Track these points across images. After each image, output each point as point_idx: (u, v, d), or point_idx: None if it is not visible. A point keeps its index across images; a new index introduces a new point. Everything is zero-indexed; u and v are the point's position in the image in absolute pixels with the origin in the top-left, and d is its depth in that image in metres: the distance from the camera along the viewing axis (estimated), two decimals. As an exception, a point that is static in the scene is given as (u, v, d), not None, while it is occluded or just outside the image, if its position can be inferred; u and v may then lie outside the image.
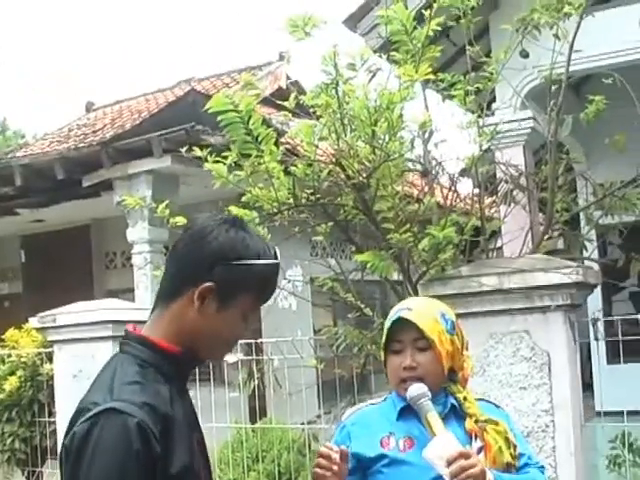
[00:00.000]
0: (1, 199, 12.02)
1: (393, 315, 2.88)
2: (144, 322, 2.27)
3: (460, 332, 2.89)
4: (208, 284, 2.13)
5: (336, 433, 3.05)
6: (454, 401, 2.83)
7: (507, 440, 2.75)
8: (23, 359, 8.60)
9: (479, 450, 2.69)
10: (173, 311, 2.19)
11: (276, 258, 2.25)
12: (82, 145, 11.27)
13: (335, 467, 2.61)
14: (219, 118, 5.06)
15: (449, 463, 2.49)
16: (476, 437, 2.73)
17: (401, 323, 2.81)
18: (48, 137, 15.76)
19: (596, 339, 5.72)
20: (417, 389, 2.72)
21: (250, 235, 2.23)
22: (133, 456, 1.96)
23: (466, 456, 2.51)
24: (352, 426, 2.96)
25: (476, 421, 2.76)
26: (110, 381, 2.11)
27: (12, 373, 8.59)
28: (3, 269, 16.18)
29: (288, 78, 14.52)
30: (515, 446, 2.78)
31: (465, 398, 2.83)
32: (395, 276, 5.99)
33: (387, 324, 2.89)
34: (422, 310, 2.85)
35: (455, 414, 2.81)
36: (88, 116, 17.16)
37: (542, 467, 2.88)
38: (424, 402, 2.69)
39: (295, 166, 5.35)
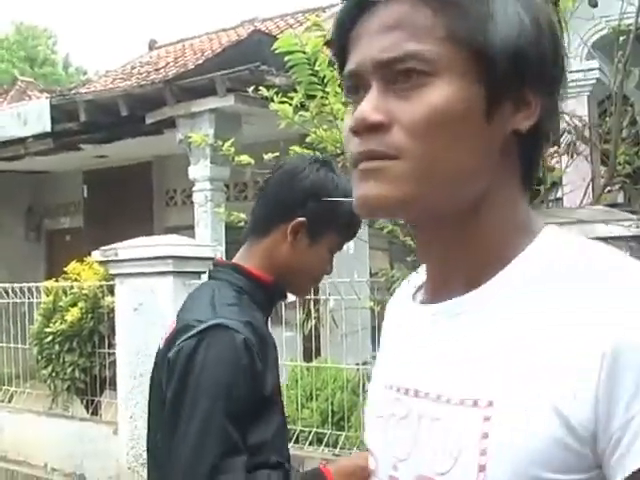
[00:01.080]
0: (65, 134, 12.11)
1: None
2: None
3: None
4: (301, 219, 2.26)
5: None
6: None
7: None
8: (85, 291, 8.75)
9: None
10: (265, 246, 2.30)
11: None
12: (146, 82, 11.33)
13: None
14: (286, 58, 5.08)
15: None
16: None
17: None
18: (111, 74, 15.86)
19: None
20: None
21: (338, 175, 2.33)
22: (241, 370, 2.03)
23: None
24: None
25: None
26: (211, 301, 2.18)
27: (74, 304, 8.74)
28: (65, 203, 16.43)
29: (352, 21, 14.40)
30: None
31: None
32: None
33: None
34: None
35: None
36: (151, 54, 17.19)
37: None
38: None
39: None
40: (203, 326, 2.07)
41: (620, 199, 7.63)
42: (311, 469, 2.26)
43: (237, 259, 2.36)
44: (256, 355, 2.08)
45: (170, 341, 2.16)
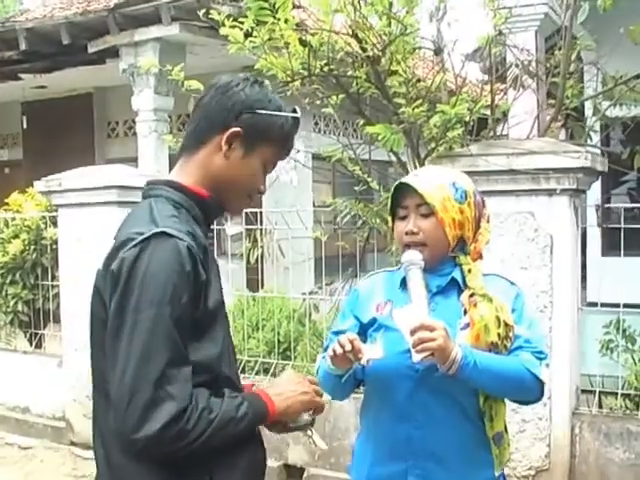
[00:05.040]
0: (5, 63, 11.82)
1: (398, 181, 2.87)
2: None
3: (474, 203, 2.80)
4: (236, 129, 2.26)
5: (349, 295, 3.09)
6: (459, 273, 2.78)
7: (497, 319, 2.65)
8: (27, 223, 8.59)
9: (466, 325, 2.67)
10: (199, 158, 2.29)
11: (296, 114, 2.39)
12: (88, 10, 11.06)
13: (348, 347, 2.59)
14: (237, -17, 5.02)
15: (412, 333, 2.50)
16: (465, 312, 2.69)
17: (405, 189, 2.78)
18: (50, 4, 15.44)
19: (598, 225, 5.79)
20: (409, 255, 2.71)
21: (270, 92, 2.37)
22: (185, 276, 2.02)
23: (429, 328, 2.49)
24: (361, 289, 2.98)
25: (472, 295, 2.71)
26: (150, 215, 2.15)
27: (16, 236, 8.58)
28: (3, 135, 16.11)
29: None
30: (509, 326, 2.67)
31: (470, 270, 2.77)
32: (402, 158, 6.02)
33: (392, 190, 2.86)
34: (428, 177, 2.79)
35: (459, 286, 2.77)
36: (91, -18, 16.76)
37: (540, 352, 2.74)
38: (411, 269, 2.68)
39: (311, 35, 5.31)
40: (145, 235, 2.05)
41: (562, 136, 7.68)
42: (247, 394, 2.24)
43: (171, 175, 2.34)
44: (200, 264, 2.08)
45: (110, 257, 2.11)
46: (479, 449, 2.74)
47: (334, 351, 2.61)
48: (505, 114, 6.73)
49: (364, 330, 2.84)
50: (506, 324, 2.67)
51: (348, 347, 2.56)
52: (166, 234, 2.04)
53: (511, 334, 2.69)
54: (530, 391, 2.74)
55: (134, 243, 2.04)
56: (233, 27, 5.23)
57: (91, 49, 10.82)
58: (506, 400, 2.86)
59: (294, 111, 2.38)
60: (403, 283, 2.78)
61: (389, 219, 2.93)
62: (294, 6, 5.66)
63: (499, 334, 2.65)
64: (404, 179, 2.83)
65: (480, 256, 2.87)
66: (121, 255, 2.05)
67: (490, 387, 2.68)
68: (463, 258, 2.81)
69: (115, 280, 2.04)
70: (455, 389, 2.66)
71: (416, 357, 2.52)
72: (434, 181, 2.76)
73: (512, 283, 2.87)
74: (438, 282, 2.78)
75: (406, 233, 2.77)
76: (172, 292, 1.99)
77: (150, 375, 1.94)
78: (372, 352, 2.60)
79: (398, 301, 2.75)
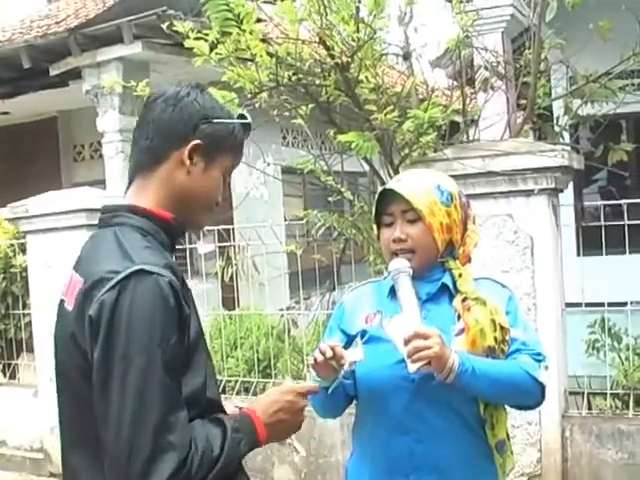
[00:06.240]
0: (-36, 91, 11.70)
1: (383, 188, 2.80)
2: None
3: (460, 205, 2.73)
4: (196, 142, 2.15)
5: (335, 309, 3.01)
6: (449, 278, 2.71)
7: (493, 322, 2.57)
8: (-6, 251, 8.45)
9: (461, 331, 2.60)
10: (160, 176, 2.15)
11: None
12: (48, 32, 10.93)
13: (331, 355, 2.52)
14: (200, -6, 4.92)
15: (406, 342, 2.42)
16: (459, 317, 2.62)
17: (390, 195, 2.70)
18: (8, 29, 15.29)
19: (578, 224, 5.73)
20: (396, 263, 2.64)
21: (218, 101, 2.30)
22: (170, 315, 1.91)
23: (424, 337, 2.42)
24: (346, 303, 2.91)
25: (465, 299, 2.63)
26: (120, 250, 2.01)
27: (-17, 266, 8.44)
28: (-33, 163, 15.91)
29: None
30: (505, 329, 2.60)
31: (460, 275, 2.70)
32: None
33: (377, 197, 2.79)
34: (412, 181, 2.72)
35: (449, 292, 2.70)
36: (50, 7, 16.59)
37: (539, 354, 2.67)
38: (400, 277, 2.61)
39: (278, 45, 5.23)
40: (123, 275, 1.90)
41: (531, 137, 7.65)
42: (236, 415, 2.14)
43: (129, 199, 2.17)
44: (182, 298, 1.96)
45: (84, 298, 1.96)
46: (482, 459, 2.66)
47: (315, 359, 2.53)
48: (473, 119, 6.67)
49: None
50: (502, 327, 2.59)
51: (329, 353, 2.49)
52: (145, 271, 1.91)
53: (507, 337, 2.62)
54: (531, 395, 2.67)
55: (112, 285, 1.90)
56: (198, 39, 5.13)
57: (53, 72, 10.70)
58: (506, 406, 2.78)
59: (243, 116, 2.30)
60: (392, 292, 2.70)
61: (371, 228, 2.85)
62: (258, 20, 5.56)
63: (496, 338, 2.58)
64: (388, 185, 2.75)
65: (469, 259, 2.79)
66: (98, 297, 1.91)
67: (490, 393, 2.60)
68: (452, 262, 2.73)
69: (96, 327, 1.90)
70: (453, 398, 2.58)
71: (412, 367, 2.44)
72: (418, 185, 2.69)
73: (503, 286, 2.80)
74: (428, 289, 2.70)
75: (393, 240, 2.69)
76: (161, 335, 1.88)
77: (148, 427, 1.83)
78: (353, 355, 2.55)
79: (388, 311, 2.68)
